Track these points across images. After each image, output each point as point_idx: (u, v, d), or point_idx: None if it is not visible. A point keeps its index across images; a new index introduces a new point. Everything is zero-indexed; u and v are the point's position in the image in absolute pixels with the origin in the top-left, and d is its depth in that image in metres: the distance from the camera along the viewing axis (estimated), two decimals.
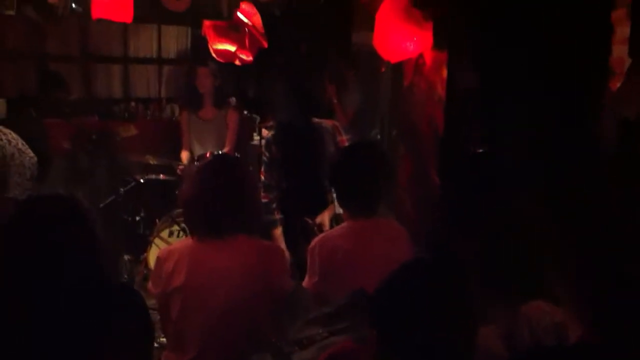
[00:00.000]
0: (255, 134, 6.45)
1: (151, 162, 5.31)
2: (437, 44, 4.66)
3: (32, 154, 3.40)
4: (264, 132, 6.30)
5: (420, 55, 4.89)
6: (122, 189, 5.09)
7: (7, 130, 3.39)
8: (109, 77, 6.64)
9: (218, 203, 2.55)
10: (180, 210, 4.48)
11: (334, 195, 2.95)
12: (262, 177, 3.98)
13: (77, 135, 5.31)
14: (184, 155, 5.57)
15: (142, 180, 5.28)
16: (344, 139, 3.98)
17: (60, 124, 5.65)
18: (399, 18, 4.58)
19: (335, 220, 3.78)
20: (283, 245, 3.83)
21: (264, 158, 4.01)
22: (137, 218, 5.36)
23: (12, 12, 5.39)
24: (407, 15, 4.58)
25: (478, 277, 2.06)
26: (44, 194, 2.26)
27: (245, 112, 6.27)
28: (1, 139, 3.33)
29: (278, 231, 3.93)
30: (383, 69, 5.57)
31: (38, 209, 2.11)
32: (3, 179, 3.28)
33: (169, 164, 5.41)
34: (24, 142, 3.39)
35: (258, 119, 6.69)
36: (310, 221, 3.87)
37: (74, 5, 5.83)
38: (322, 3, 5.67)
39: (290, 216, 3.97)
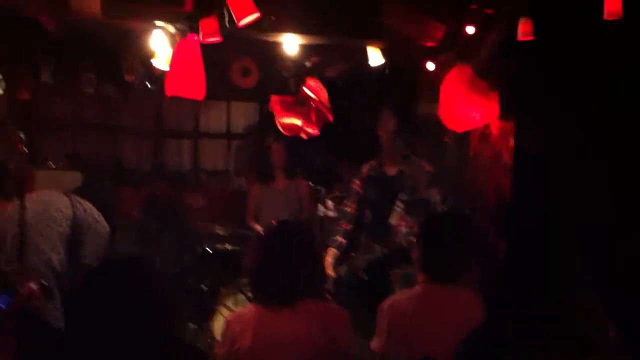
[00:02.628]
0: (320, 205, 6.50)
1: (218, 231, 5.43)
2: (504, 114, 4.65)
3: (105, 223, 3.50)
4: (328, 203, 6.37)
5: (486, 125, 4.88)
6: (189, 258, 5.18)
7: (82, 200, 3.51)
8: (180, 150, 6.88)
9: (283, 268, 2.56)
10: (245, 279, 4.52)
11: None
12: (348, 209, 4.44)
13: (148, 204, 5.47)
14: (255, 223, 5.71)
15: (208, 249, 5.39)
16: (437, 191, 4.28)
17: (133, 193, 5.85)
18: (464, 89, 4.60)
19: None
20: (329, 267, 4.14)
21: (356, 189, 4.43)
22: (203, 287, 5.42)
23: (91, 90, 5.68)
24: (473, 86, 4.59)
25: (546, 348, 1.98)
26: (118, 258, 2.32)
27: (310, 184, 6.35)
28: (77, 208, 3.44)
29: (333, 250, 4.25)
30: (447, 139, 5.57)
31: (113, 271, 2.17)
32: (78, 247, 3.38)
33: (236, 233, 5.51)
34: (98, 212, 3.50)
35: (323, 190, 6.76)
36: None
37: (148, 84, 6.09)
38: (387, 75, 5.75)
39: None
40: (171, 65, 4.33)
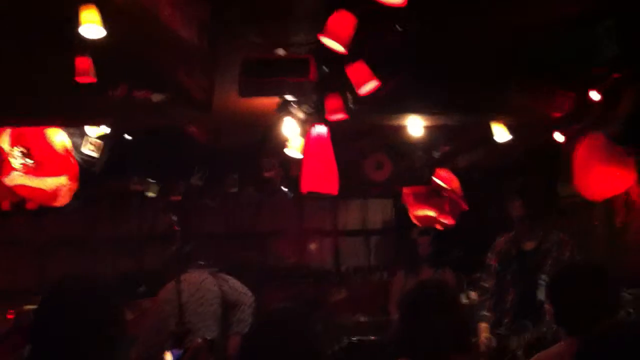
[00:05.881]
0: (462, 295, 6.37)
1: (361, 319, 5.55)
2: None
3: (250, 293, 3.73)
4: (471, 294, 6.21)
5: (627, 192, 4.70)
6: (336, 348, 5.29)
7: (227, 277, 3.82)
8: (322, 248, 7.13)
9: (431, 325, 2.58)
10: None
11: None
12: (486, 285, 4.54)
13: (295, 298, 5.67)
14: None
15: (354, 340, 5.47)
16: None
17: (280, 288, 6.09)
18: (599, 157, 4.50)
19: None
20: (485, 334, 4.31)
21: (493, 264, 4.50)
22: None
23: (235, 190, 6.02)
24: (607, 153, 4.48)
25: None
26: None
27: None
28: (223, 285, 3.73)
29: (484, 325, 4.37)
30: (596, 222, 5.37)
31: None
32: (229, 318, 3.62)
33: (378, 323, 5.59)
34: (241, 284, 3.76)
35: (465, 280, 6.63)
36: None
37: (284, 188, 6.33)
38: (520, 158, 5.68)
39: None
40: (303, 161, 4.54)
